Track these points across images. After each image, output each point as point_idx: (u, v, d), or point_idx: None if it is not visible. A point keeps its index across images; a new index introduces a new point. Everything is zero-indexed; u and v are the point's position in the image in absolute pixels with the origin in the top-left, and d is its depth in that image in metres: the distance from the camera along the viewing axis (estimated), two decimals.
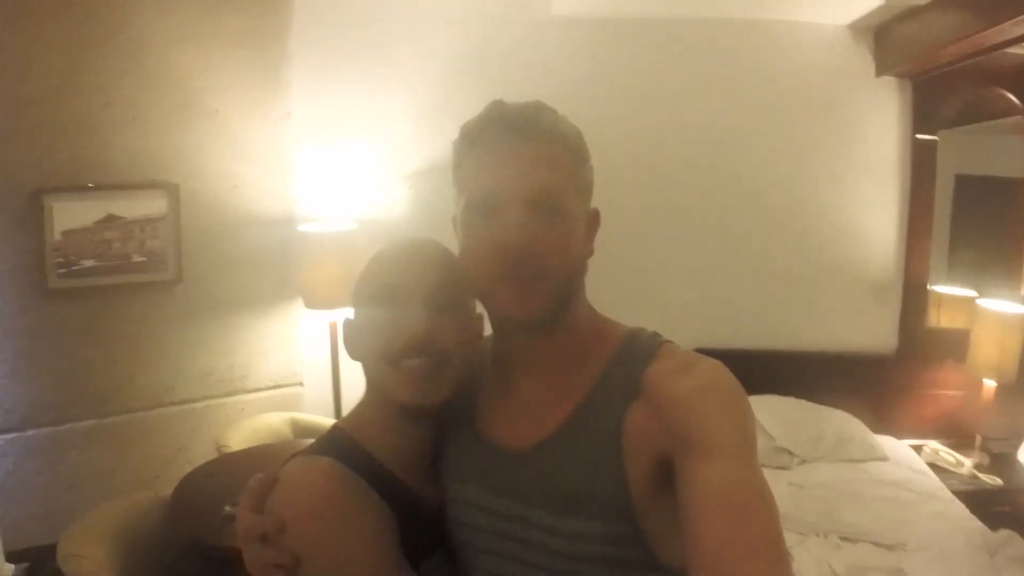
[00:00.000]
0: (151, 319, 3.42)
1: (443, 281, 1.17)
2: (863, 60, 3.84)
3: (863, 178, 3.92)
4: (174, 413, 3.47)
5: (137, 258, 3.38)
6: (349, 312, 1.28)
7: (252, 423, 3.16)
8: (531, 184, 1.08)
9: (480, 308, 1.19)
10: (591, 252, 1.19)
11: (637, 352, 1.13)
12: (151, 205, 3.37)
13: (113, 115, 3.25)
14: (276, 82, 3.56)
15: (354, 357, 1.23)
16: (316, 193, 3.62)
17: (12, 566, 3.10)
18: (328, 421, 3.22)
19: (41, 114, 3.12)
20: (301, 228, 3.48)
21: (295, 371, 3.71)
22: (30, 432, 3.23)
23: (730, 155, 3.88)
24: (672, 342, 1.15)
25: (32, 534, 3.07)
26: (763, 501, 0.92)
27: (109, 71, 3.22)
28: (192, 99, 3.37)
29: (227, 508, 2.26)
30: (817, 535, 2.85)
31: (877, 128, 3.89)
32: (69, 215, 3.22)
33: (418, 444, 1.22)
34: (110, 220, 3.31)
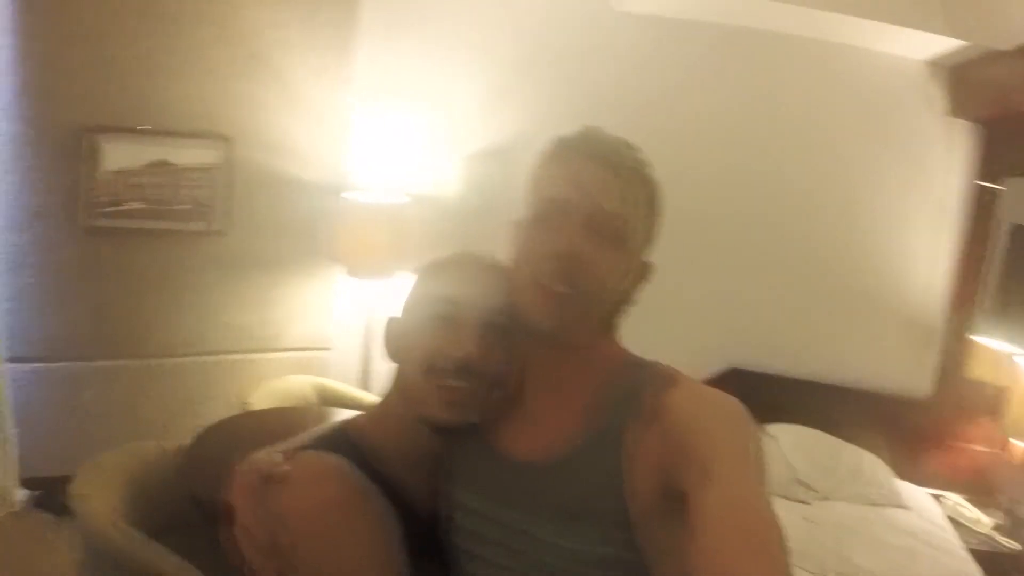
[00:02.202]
0: (189, 268, 3.43)
1: (501, 307, 1.18)
2: (935, 99, 3.75)
3: (919, 217, 3.84)
4: (200, 363, 3.49)
5: (183, 206, 3.39)
6: (397, 308, 1.27)
7: (277, 384, 3.14)
8: (598, 206, 1.10)
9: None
10: (633, 299, 1.21)
11: (652, 379, 1.14)
12: (203, 155, 3.37)
13: (176, 60, 3.26)
14: (342, 45, 3.54)
15: (393, 360, 1.25)
16: (370, 161, 3.59)
17: (25, 491, 3.13)
18: (353, 390, 3.22)
19: (101, 51, 3.13)
20: (350, 195, 3.46)
21: (325, 336, 3.71)
22: (53, 365, 3.27)
23: (784, 173, 3.81)
24: (684, 375, 1.16)
25: (46, 464, 3.10)
26: (772, 529, 0.90)
27: (177, 14, 3.23)
28: (257, 52, 3.37)
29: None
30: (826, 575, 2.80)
31: (940, 169, 3.81)
32: (120, 155, 3.23)
33: (426, 452, 1.22)
34: (161, 165, 3.32)
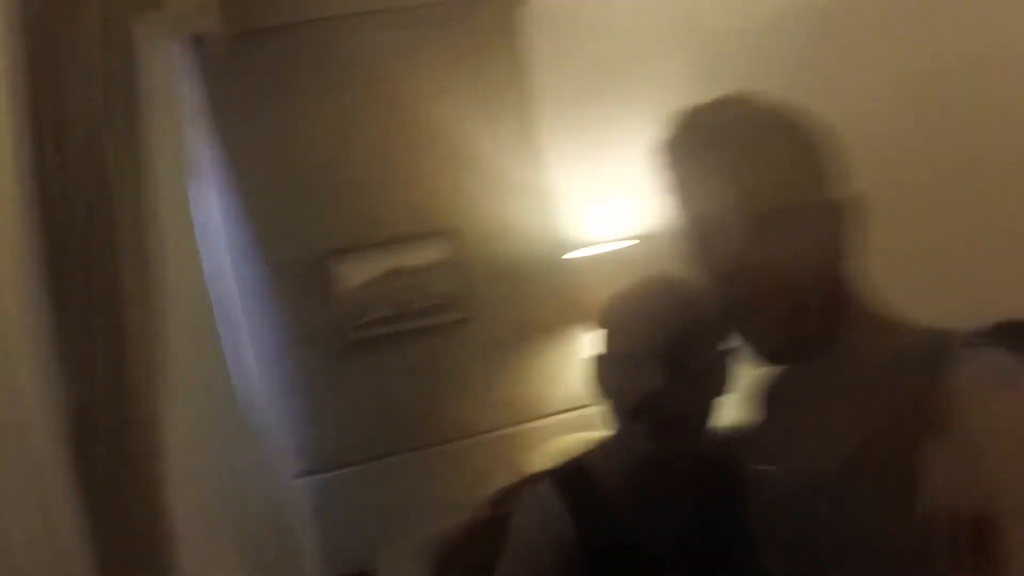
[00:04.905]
0: (447, 357, 3.65)
1: (682, 331, 1.12)
2: None
3: None
4: (477, 442, 3.66)
5: (425, 303, 3.62)
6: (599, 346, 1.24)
7: (550, 447, 3.24)
8: (751, 195, 0.93)
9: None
10: (855, 249, 0.96)
11: (932, 357, 0.86)
12: (434, 251, 3.58)
13: (384, 173, 3.55)
14: (527, 120, 3.70)
15: (596, 399, 1.24)
16: (588, 215, 3.66)
17: None
18: None
19: (321, 181, 3.49)
20: (580, 252, 3.55)
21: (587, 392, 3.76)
22: (342, 471, 3.56)
23: None
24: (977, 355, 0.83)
25: (349, 565, 3.36)
26: None
27: (376, 132, 3.53)
28: (452, 147, 3.59)
29: None
30: None
31: None
32: (357, 270, 3.52)
33: (657, 491, 1.18)
34: (398, 271, 3.58)
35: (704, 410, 1.16)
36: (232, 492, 2.63)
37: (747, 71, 3.53)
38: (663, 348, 1.12)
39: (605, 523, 1.17)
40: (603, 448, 1.27)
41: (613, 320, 1.22)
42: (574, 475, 1.23)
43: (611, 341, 1.21)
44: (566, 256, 3.60)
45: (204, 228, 2.94)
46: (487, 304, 3.68)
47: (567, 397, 3.78)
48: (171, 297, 2.41)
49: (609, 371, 1.20)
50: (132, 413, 1.70)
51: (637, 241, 3.53)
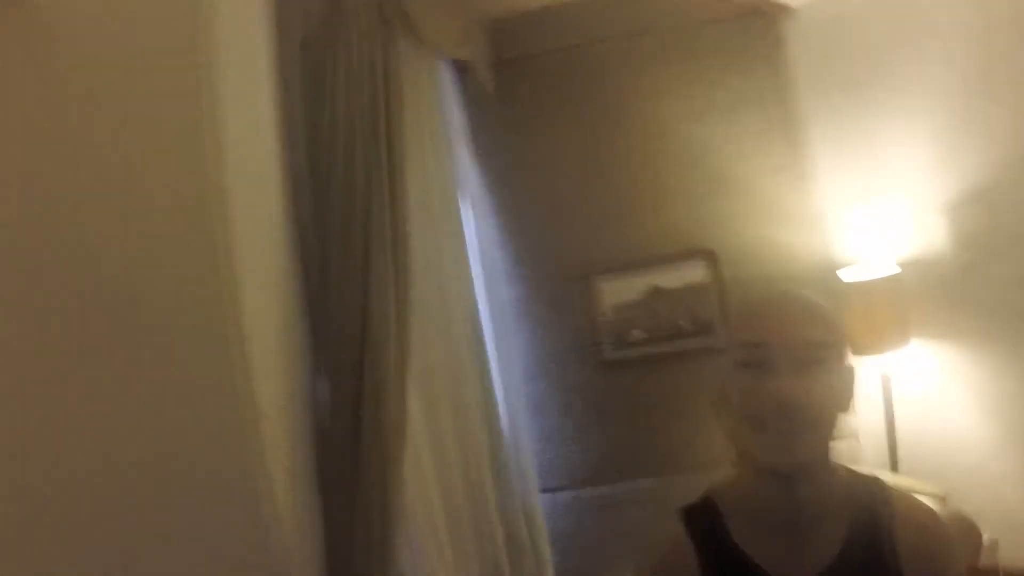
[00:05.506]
0: (704, 384, 3.57)
1: (811, 339, 1.16)
2: None
3: None
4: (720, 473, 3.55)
5: (686, 326, 3.51)
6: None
7: None
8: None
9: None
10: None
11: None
12: (692, 274, 3.49)
13: (646, 195, 3.52)
14: (792, 142, 3.52)
15: (716, 414, 1.31)
16: (851, 239, 3.47)
17: None
18: (888, 475, 3.07)
19: (583, 203, 3.53)
20: (842, 277, 3.37)
21: (849, 423, 3.62)
22: (592, 490, 3.55)
23: None
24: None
25: None
26: None
27: (637, 156, 3.52)
28: (715, 171, 3.49)
29: None
30: None
31: None
32: (617, 291, 3.49)
33: (783, 513, 1.21)
34: (656, 292, 3.50)
35: (828, 420, 1.22)
36: (479, 502, 2.77)
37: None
38: (791, 353, 1.18)
39: (729, 555, 1.24)
40: (736, 477, 1.34)
41: (741, 331, 1.28)
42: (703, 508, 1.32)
43: (736, 352, 1.26)
44: (840, 278, 3.37)
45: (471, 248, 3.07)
46: None
47: None
48: (445, 307, 2.63)
49: (732, 382, 1.28)
50: (375, 416, 1.81)
51: (900, 270, 3.37)
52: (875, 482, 1.30)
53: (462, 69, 3.24)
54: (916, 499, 1.30)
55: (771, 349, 1.15)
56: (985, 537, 3.08)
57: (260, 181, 1.72)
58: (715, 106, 3.49)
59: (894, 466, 3.43)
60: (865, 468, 3.05)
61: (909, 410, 3.43)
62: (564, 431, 3.55)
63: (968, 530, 2.69)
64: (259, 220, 1.70)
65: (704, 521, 1.29)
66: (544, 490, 3.46)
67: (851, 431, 3.66)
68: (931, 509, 1.30)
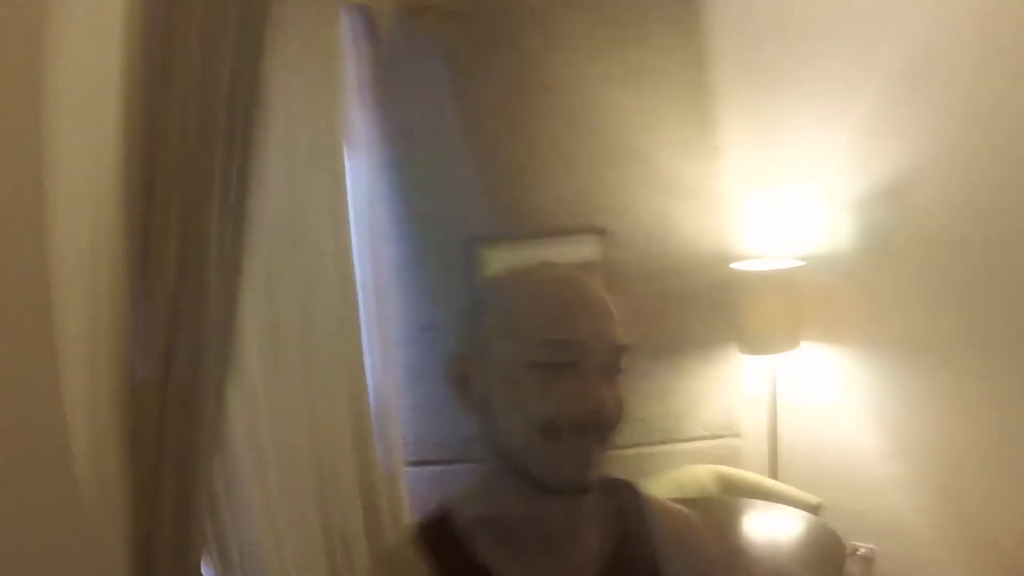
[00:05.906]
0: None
1: (620, 342, 1.01)
2: None
3: None
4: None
5: None
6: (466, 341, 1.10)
7: (676, 474, 3.15)
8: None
9: None
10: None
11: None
12: (581, 250, 3.36)
13: (542, 163, 3.38)
14: (700, 117, 3.43)
15: (474, 412, 1.08)
16: (753, 229, 3.32)
17: None
18: (760, 479, 3.28)
19: (480, 167, 3.37)
20: (737, 267, 3.23)
21: (732, 421, 3.55)
22: (450, 467, 3.41)
23: None
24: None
25: None
26: None
27: (537, 120, 3.37)
28: (617, 141, 3.37)
29: None
30: None
31: None
32: (502, 262, 3.28)
33: (539, 528, 1.05)
34: None
35: (615, 436, 1.05)
36: (328, 471, 2.66)
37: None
38: (607, 356, 1.02)
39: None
40: (480, 489, 1.14)
41: (550, 315, 1.04)
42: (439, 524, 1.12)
43: (543, 345, 1.03)
44: (735, 267, 3.23)
45: (355, 203, 2.94)
46: (631, 313, 3.39)
47: (705, 423, 3.56)
48: (309, 265, 2.50)
49: (522, 382, 1.04)
50: (198, 404, 1.66)
51: (804, 263, 3.23)
52: (629, 489, 1.17)
53: (370, 15, 3.04)
54: (671, 505, 1.19)
55: (582, 350, 0.98)
56: (863, 548, 3.13)
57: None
58: (625, 73, 3.36)
59: (774, 470, 3.36)
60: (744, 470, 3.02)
61: (794, 414, 3.34)
62: (434, 402, 3.39)
63: (832, 546, 2.60)
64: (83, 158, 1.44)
65: (442, 538, 1.08)
66: (411, 463, 3.35)
67: (733, 431, 3.59)
68: (686, 514, 1.18)
